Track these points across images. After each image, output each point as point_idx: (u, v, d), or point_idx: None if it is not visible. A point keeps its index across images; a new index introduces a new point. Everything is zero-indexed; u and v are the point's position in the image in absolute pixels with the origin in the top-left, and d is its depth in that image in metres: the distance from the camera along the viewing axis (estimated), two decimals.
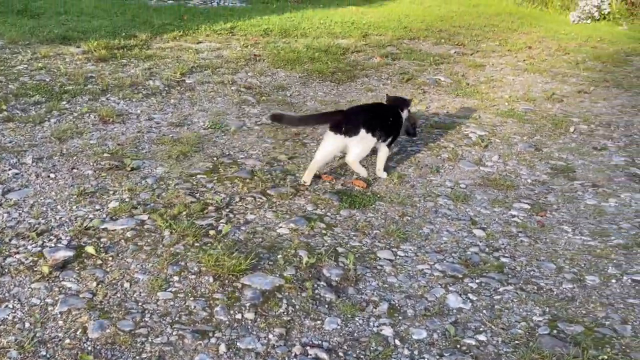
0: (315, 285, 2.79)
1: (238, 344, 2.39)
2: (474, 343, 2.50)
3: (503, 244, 3.33)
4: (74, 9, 7.81)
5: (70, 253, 2.86)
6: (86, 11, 7.79)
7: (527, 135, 5.08)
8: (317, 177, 3.90)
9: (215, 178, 3.80)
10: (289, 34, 7.88)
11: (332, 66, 6.60)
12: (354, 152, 3.86)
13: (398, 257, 3.12)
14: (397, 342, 2.48)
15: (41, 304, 2.52)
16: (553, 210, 3.79)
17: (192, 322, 2.48)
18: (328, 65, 6.59)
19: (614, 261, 3.20)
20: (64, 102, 4.87)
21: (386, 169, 4.11)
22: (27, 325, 2.39)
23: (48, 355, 2.25)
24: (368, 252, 3.13)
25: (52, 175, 3.65)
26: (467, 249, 3.24)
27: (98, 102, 4.95)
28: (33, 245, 2.92)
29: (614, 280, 3.02)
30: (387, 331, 2.53)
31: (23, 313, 2.46)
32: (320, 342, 2.44)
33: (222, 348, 2.36)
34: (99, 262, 2.83)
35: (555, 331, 2.59)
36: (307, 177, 3.82)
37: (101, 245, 2.95)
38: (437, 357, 2.40)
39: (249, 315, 2.55)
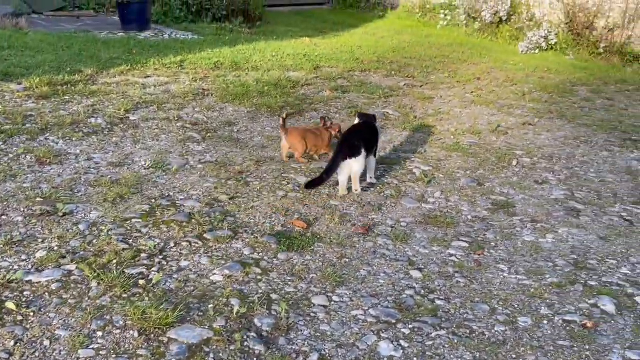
0: (245, 337, 2.73)
1: None
2: None
3: (439, 286, 3.33)
4: (18, 43, 7.67)
5: None
6: (31, 45, 7.66)
7: (470, 169, 5.13)
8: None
9: (152, 222, 3.73)
10: (240, 67, 7.87)
11: (282, 100, 6.59)
12: (355, 169, 4.35)
13: (333, 302, 3.09)
14: None
15: None
16: (491, 248, 3.81)
17: None
18: (277, 100, 6.58)
19: (547, 301, 3.22)
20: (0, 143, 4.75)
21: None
22: None
23: None
24: (302, 299, 3.10)
25: None
26: (402, 292, 3.23)
27: (36, 142, 4.84)
28: None
29: (545, 322, 3.03)
30: None
31: None
32: None
33: None
34: (20, 318, 2.73)
35: None
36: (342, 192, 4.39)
37: (23, 300, 2.85)
38: None
39: None
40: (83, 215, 3.75)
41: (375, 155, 4.68)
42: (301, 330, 2.84)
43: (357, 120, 4.76)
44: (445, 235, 3.94)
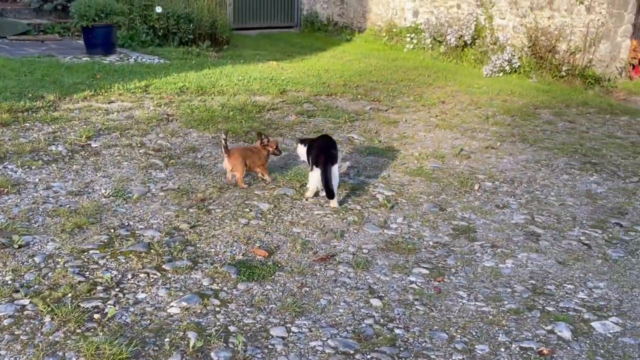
0: None
1: None
2: None
3: (398, 314, 3.33)
4: None
5: None
6: None
7: (433, 194, 5.17)
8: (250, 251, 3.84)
9: (109, 253, 3.68)
10: (206, 91, 7.87)
11: (247, 125, 6.59)
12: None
13: (292, 333, 3.07)
14: None
15: None
16: (451, 274, 3.84)
17: None
18: (242, 125, 6.58)
19: (505, 328, 3.25)
20: None
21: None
22: None
23: None
24: (261, 330, 3.07)
25: None
26: (362, 321, 3.23)
27: None
28: None
29: (503, 349, 3.05)
30: None
31: None
32: None
33: None
34: None
35: None
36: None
37: None
38: None
39: None
40: (39, 247, 3.68)
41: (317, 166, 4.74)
42: None
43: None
44: (407, 261, 3.96)
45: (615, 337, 3.23)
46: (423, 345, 3.06)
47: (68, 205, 4.30)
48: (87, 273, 3.42)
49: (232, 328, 3.06)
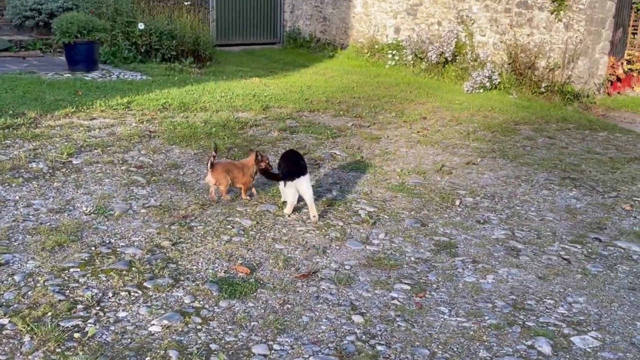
0: None
1: None
2: None
3: (380, 330, 3.34)
4: None
5: None
6: None
7: (414, 210, 5.20)
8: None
9: (90, 271, 3.66)
10: (188, 108, 7.87)
11: (229, 142, 6.60)
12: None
13: (273, 351, 3.07)
14: None
15: None
16: (433, 289, 3.86)
17: None
18: (225, 141, 6.59)
19: (486, 343, 3.27)
20: None
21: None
22: None
23: None
24: (242, 348, 3.07)
25: None
26: (344, 338, 3.23)
27: None
28: None
29: None
30: None
31: None
32: None
33: None
34: None
35: None
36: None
37: None
38: None
39: None
40: (19, 265, 3.65)
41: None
42: None
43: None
44: (389, 277, 3.97)
45: (595, 352, 3.27)
46: None
47: (49, 223, 4.27)
48: (68, 291, 3.40)
49: (213, 346, 3.05)
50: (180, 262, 3.90)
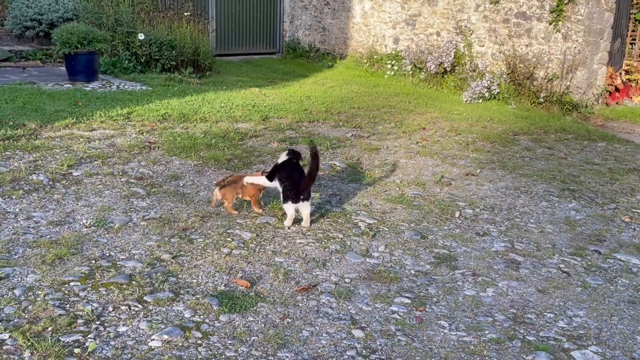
0: None
1: None
2: None
3: (380, 345, 3.34)
4: None
5: None
6: None
7: (414, 222, 5.21)
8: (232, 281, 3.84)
9: (90, 285, 3.66)
10: (188, 118, 7.88)
11: (229, 153, 6.61)
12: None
13: None
14: None
15: None
16: (433, 303, 3.86)
17: None
18: (225, 152, 6.60)
19: (486, 358, 3.27)
20: None
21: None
22: None
23: None
24: None
25: None
26: (344, 353, 3.23)
27: None
28: None
29: None
30: None
31: None
32: None
33: None
34: None
35: None
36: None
37: None
38: None
39: None
40: (19, 279, 3.65)
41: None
42: None
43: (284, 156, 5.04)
44: (389, 291, 3.98)
45: None
46: None
47: (49, 236, 4.27)
48: (68, 306, 3.40)
49: None
50: (180, 276, 3.90)
